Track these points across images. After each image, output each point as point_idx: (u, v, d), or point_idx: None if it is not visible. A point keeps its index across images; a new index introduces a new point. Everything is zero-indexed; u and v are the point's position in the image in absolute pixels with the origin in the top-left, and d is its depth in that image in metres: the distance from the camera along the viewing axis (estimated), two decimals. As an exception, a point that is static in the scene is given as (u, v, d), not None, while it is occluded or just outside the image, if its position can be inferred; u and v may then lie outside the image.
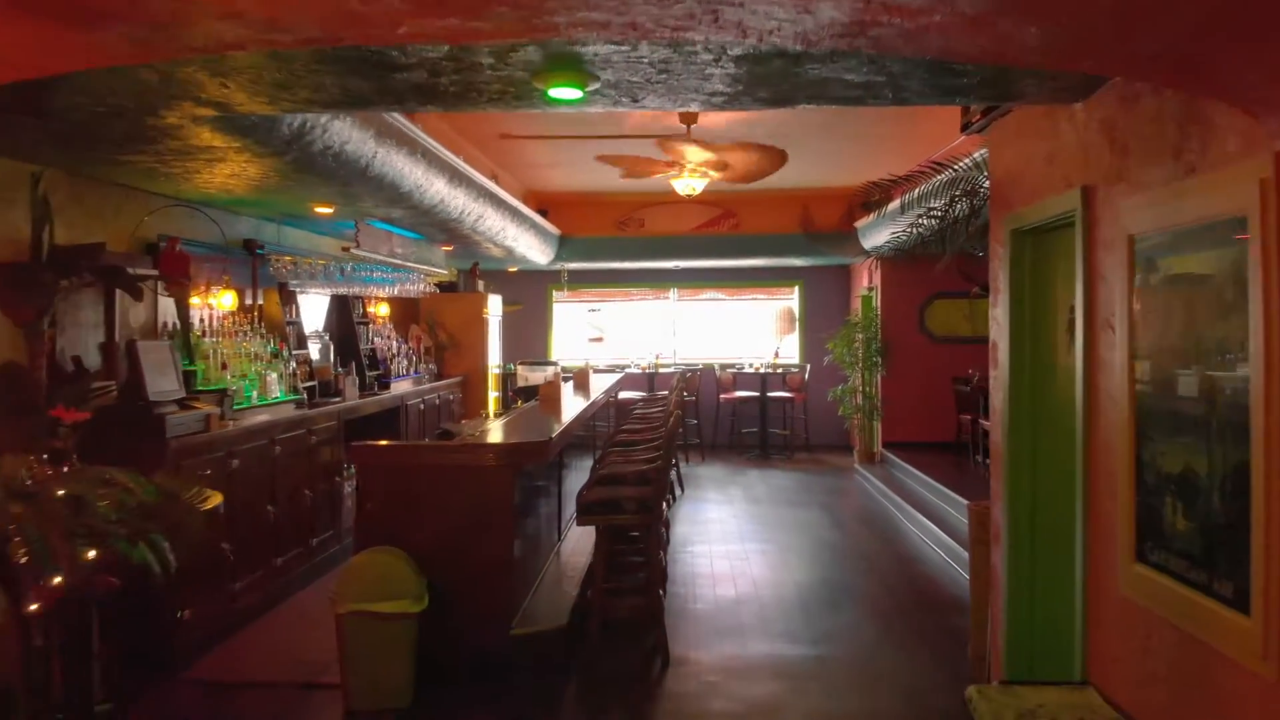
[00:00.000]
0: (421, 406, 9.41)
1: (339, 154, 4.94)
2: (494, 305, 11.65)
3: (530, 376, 9.40)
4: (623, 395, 12.53)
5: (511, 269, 12.80)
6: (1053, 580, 4.14)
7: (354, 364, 8.22)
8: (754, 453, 12.74)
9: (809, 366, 13.06)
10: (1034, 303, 4.25)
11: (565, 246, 12.12)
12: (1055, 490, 4.10)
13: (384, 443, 5.16)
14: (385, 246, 7.47)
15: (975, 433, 10.33)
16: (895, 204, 5.69)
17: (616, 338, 14.00)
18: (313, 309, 8.56)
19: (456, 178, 6.80)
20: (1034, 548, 4.28)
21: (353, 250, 6.81)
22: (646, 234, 12.44)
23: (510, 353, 13.04)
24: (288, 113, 3.86)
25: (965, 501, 8.26)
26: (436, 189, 6.47)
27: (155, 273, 5.69)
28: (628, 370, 12.66)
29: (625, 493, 5.18)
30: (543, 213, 11.46)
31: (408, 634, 4.60)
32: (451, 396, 10.55)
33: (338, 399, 7.77)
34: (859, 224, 11.27)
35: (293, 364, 7.13)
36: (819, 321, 13.58)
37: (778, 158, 7.56)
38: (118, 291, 5.63)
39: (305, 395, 7.17)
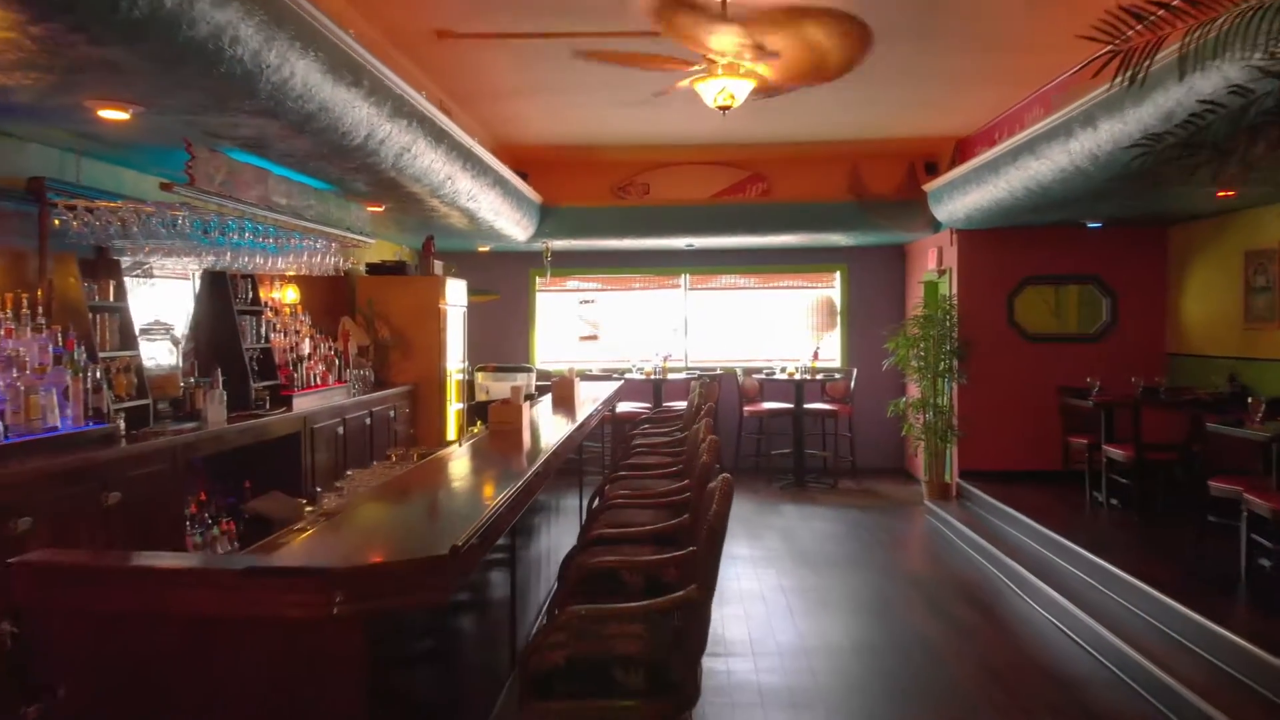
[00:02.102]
0: (341, 430, 6.75)
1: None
2: (455, 292, 9.01)
3: (493, 387, 6.77)
4: (622, 407, 9.89)
5: (482, 247, 10.15)
6: None
7: (220, 371, 5.56)
8: (787, 481, 10.08)
9: (855, 371, 10.40)
10: None
11: (549, 219, 9.48)
12: None
13: (78, 557, 2.52)
14: (253, 190, 4.83)
15: (1096, 461, 7.69)
16: (1170, 53, 2.97)
17: (615, 336, 11.35)
18: (171, 294, 5.93)
19: (343, 69, 4.15)
20: None
21: (178, 189, 4.19)
22: (652, 203, 9.78)
23: (482, 354, 10.40)
24: None
25: (1128, 577, 5.63)
26: (301, 79, 3.81)
27: None
28: (628, 376, 10.02)
29: (624, 642, 2.53)
30: (522, 175, 8.85)
31: None
32: (393, 413, 7.91)
33: (192, 424, 5.14)
34: (932, 185, 8.62)
35: (96, 372, 4.49)
36: (867, 315, 10.93)
37: (855, 38, 4.95)
38: None
39: (120, 423, 4.55)
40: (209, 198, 4.45)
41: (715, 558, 2.57)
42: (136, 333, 5.12)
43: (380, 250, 9.28)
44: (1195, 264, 8.41)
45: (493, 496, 2.95)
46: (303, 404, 6.35)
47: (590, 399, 7.12)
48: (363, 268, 8.39)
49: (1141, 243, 8.83)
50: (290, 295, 7.00)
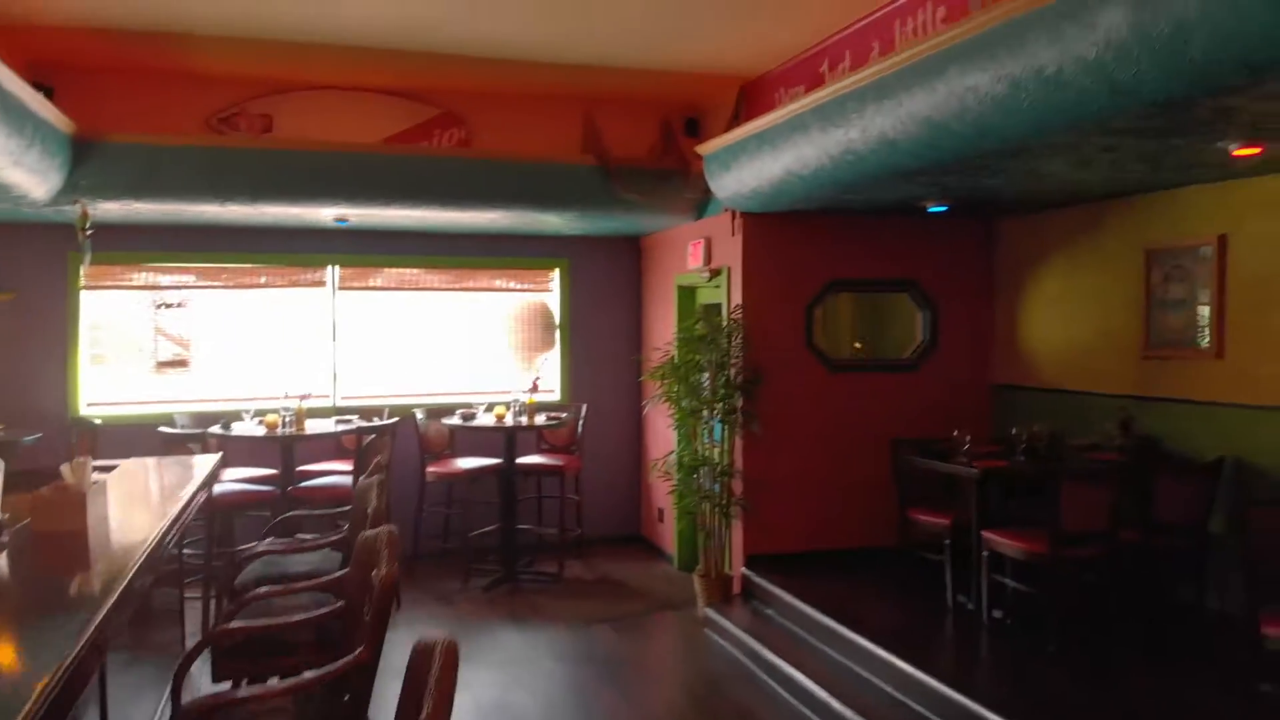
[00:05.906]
0: None
1: None
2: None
3: None
4: (229, 484, 6.15)
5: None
6: None
7: None
8: (494, 577, 6.81)
9: (584, 409, 7.42)
10: None
11: (90, 161, 5.46)
12: None
13: None
14: None
15: (964, 550, 5.25)
16: None
17: (218, 360, 7.41)
18: None
19: None
20: None
21: None
22: (277, 145, 6.10)
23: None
24: None
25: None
26: None
27: None
28: (235, 428, 6.22)
29: None
30: (45, 91, 4.92)
31: None
32: None
33: None
34: (717, 143, 5.81)
35: None
36: (595, 331, 7.99)
37: None
38: None
39: None
40: None
41: None
42: None
43: None
44: (1053, 263, 6.37)
45: None
46: None
47: (110, 527, 3.47)
48: None
49: (975, 234, 6.69)
50: None
